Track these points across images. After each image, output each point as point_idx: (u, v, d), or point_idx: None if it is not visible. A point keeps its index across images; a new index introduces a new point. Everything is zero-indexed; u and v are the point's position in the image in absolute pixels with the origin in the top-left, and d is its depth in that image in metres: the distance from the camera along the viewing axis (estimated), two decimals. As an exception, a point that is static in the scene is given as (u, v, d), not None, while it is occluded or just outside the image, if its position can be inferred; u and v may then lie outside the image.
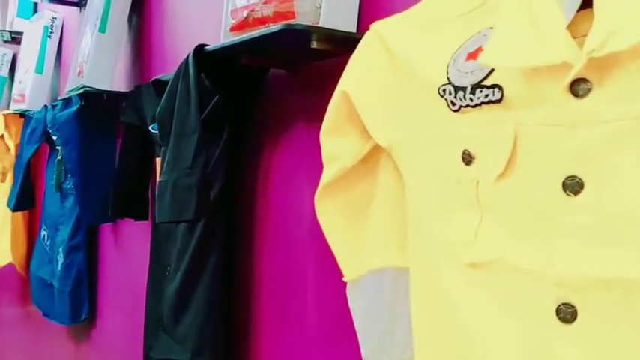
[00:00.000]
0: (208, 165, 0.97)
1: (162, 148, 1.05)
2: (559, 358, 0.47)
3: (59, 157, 1.75)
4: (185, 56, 1.01)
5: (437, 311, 0.58)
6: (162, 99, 1.03)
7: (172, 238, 1.08)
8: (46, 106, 1.81)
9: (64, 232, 1.75)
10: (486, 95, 0.52)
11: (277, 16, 0.83)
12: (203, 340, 1.03)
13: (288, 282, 1.01)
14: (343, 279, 0.72)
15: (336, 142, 0.70)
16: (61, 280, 1.74)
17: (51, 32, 2.02)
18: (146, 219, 1.41)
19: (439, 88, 0.56)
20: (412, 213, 0.62)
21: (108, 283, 1.73)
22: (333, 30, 0.81)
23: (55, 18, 2.04)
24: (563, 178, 0.47)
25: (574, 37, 0.46)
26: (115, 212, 1.43)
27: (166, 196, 0.96)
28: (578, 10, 0.48)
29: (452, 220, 0.56)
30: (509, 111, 0.51)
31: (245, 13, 0.87)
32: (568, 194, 0.47)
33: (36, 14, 2.25)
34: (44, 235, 1.88)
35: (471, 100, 0.53)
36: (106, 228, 1.73)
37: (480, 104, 0.53)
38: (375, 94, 0.65)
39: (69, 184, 1.71)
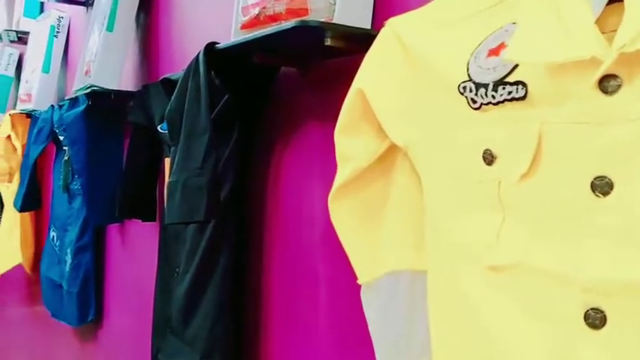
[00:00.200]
0: (218, 165, 0.96)
1: (172, 148, 1.04)
2: (586, 365, 0.46)
3: (66, 158, 1.75)
4: (194, 55, 1.00)
5: (456, 314, 0.57)
6: (172, 98, 1.02)
7: (181, 239, 1.07)
8: (52, 105, 1.81)
9: (72, 233, 1.74)
10: (509, 92, 0.51)
11: (290, 12, 0.81)
12: (213, 342, 1.01)
13: (299, 283, 0.99)
14: (357, 281, 0.71)
15: (351, 141, 0.68)
16: (69, 281, 1.74)
17: (57, 32, 2.02)
18: (153, 220, 1.41)
19: (459, 86, 0.55)
20: (429, 214, 0.61)
21: (115, 284, 1.73)
22: (348, 27, 0.79)
23: (62, 17, 2.04)
24: (591, 178, 0.46)
25: (602, 32, 0.45)
26: (123, 213, 1.42)
27: (176, 197, 0.95)
28: (607, 4, 0.46)
29: (472, 221, 0.55)
30: (534, 108, 0.49)
31: (257, 10, 0.86)
32: (597, 195, 0.45)
33: (42, 14, 2.25)
34: (53, 236, 1.87)
35: (493, 97, 0.52)
36: (114, 229, 1.72)
37: (503, 102, 0.51)
38: (391, 92, 0.64)
39: (76, 185, 1.71)
